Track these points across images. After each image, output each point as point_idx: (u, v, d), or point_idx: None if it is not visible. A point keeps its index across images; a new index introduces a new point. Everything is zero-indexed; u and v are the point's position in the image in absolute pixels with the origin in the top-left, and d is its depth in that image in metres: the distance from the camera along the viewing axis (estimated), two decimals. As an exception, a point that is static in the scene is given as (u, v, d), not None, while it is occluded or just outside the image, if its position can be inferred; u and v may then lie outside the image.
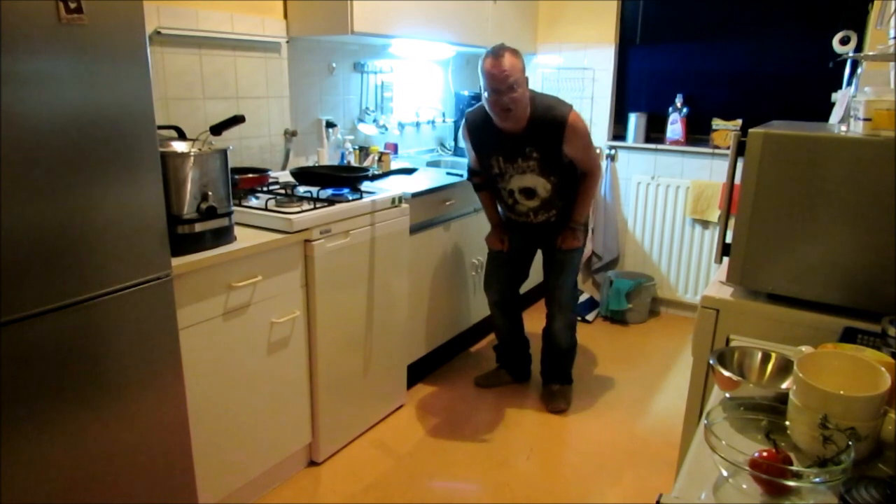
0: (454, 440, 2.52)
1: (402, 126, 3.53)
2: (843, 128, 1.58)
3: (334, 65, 2.99)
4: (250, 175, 2.34)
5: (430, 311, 2.89)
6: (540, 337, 2.89)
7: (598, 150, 2.53)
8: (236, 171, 2.31)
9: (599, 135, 3.92)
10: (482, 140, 2.50)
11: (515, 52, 2.32)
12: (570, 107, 2.37)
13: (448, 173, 3.05)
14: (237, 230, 1.94)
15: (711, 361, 1.13)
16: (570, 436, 2.60)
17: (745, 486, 0.86)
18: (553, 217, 2.59)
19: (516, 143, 2.41)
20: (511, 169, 2.48)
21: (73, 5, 1.29)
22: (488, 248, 2.81)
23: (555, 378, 2.87)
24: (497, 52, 2.29)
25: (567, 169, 2.47)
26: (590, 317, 3.81)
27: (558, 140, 2.35)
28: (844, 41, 2.35)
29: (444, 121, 3.83)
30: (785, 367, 1.13)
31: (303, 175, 2.40)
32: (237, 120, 1.91)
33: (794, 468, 0.84)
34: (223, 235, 1.85)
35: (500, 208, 2.74)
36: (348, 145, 3.03)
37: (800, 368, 0.95)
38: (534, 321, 3.11)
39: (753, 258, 1.60)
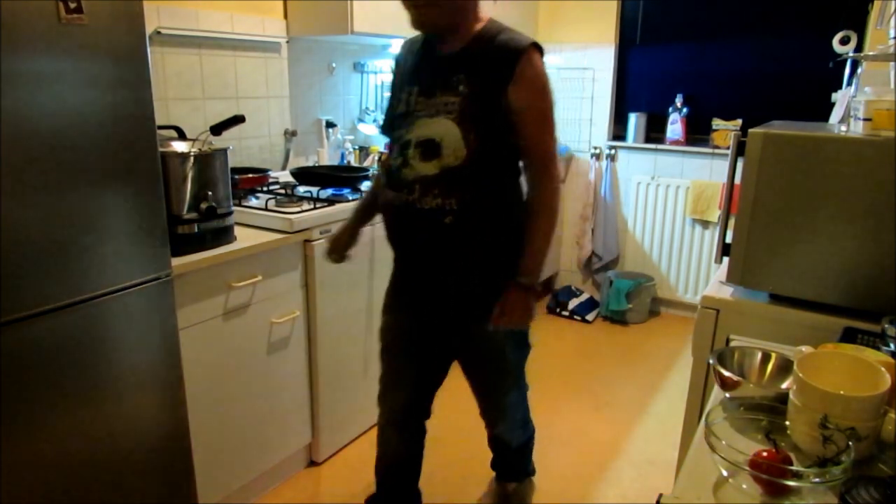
0: (454, 440, 2.52)
1: (402, 126, 3.53)
2: (843, 128, 1.58)
3: (334, 65, 2.99)
4: (250, 175, 2.34)
5: (430, 311, 2.88)
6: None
7: (559, 146, 1.61)
8: (236, 171, 2.31)
9: (599, 135, 3.93)
10: (405, 67, 1.67)
11: None
12: (537, 43, 1.55)
13: (448, 173, 3.04)
14: (237, 230, 1.94)
15: (711, 361, 1.13)
16: (570, 436, 2.60)
17: (745, 486, 0.86)
18: (450, 214, 1.52)
19: (444, 67, 1.55)
20: (423, 106, 1.55)
21: (73, 5, 1.29)
22: (380, 334, 1.83)
23: (509, 475, 2.11)
24: None
25: (500, 138, 1.52)
26: (590, 317, 3.81)
27: (504, 75, 1.49)
28: (844, 41, 2.35)
29: (444, 121, 3.82)
30: (785, 367, 1.13)
31: (303, 175, 2.40)
32: (237, 120, 1.91)
33: (794, 468, 0.84)
34: (223, 235, 1.84)
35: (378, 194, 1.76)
36: (348, 145, 3.03)
37: (800, 368, 0.95)
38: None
39: (753, 258, 1.60)
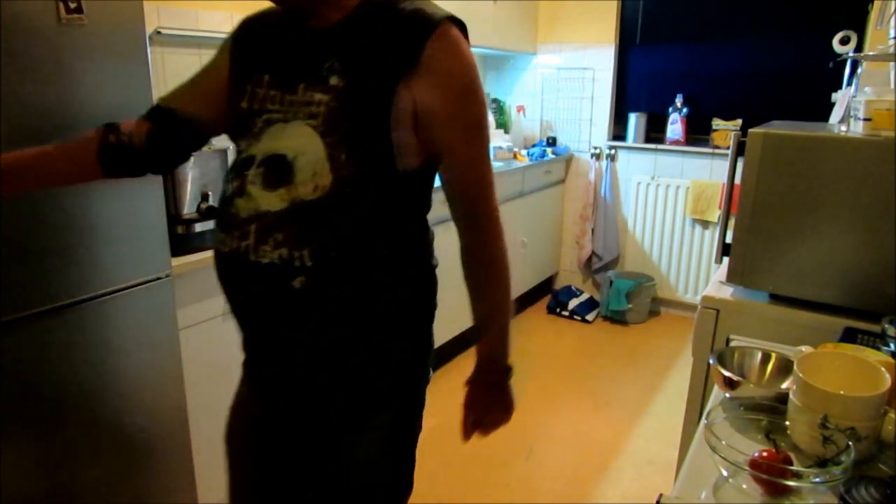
0: (454, 440, 2.52)
1: (402, 126, 3.52)
2: (843, 128, 1.59)
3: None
4: (250, 175, 2.34)
5: (430, 311, 2.88)
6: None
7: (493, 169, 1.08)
8: (236, 171, 2.31)
9: (599, 135, 3.93)
10: (253, 45, 1.08)
11: None
12: (455, 18, 1.03)
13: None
14: (237, 230, 1.94)
15: (711, 361, 1.13)
16: (570, 436, 2.60)
17: (745, 486, 0.86)
18: (301, 273, 0.96)
19: (311, 49, 1.01)
20: (277, 104, 1.01)
21: (73, 5, 1.30)
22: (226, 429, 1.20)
23: None
24: None
25: (388, 160, 0.98)
26: (590, 317, 3.81)
27: (401, 62, 0.96)
28: (844, 41, 2.35)
29: (444, 121, 3.82)
30: (785, 367, 1.13)
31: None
32: (237, 120, 1.90)
33: (794, 468, 0.84)
34: (223, 235, 1.85)
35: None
36: (348, 145, 3.02)
37: (800, 368, 0.95)
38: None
39: (753, 258, 1.60)
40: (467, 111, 1.01)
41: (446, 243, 2.78)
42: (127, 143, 1.09)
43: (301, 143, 0.97)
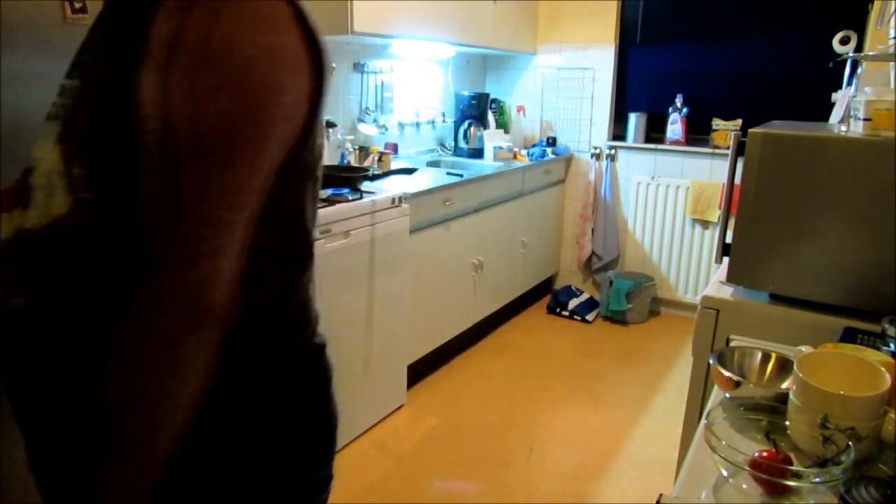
0: (454, 440, 2.52)
1: (402, 126, 3.53)
2: (843, 128, 1.59)
3: (334, 65, 2.98)
4: (251, 175, 2.34)
5: (430, 311, 2.89)
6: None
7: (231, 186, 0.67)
8: (236, 171, 2.31)
9: (599, 135, 3.93)
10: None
11: None
12: None
13: (448, 173, 3.04)
14: (237, 230, 1.94)
15: (711, 361, 1.13)
16: (570, 436, 2.61)
17: (745, 486, 0.87)
18: (17, 323, 0.74)
19: (89, 32, 0.76)
20: (54, 109, 0.76)
21: (78, 5, 1.30)
22: None
23: None
24: None
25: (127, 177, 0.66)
26: (590, 317, 3.81)
27: (132, 43, 0.64)
28: (844, 41, 2.35)
29: (444, 121, 3.82)
30: (785, 367, 1.13)
31: (302, 175, 2.37)
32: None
33: (794, 468, 0.84)
34: (224, 235, 1.84)
35: None
36: (348, 145, 3.03)
37: (800, 368, 0.95)
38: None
39: (753, 258, 1.60)
40: (203, 115, 0.62)
41: (444, 242, 2.78)
42: None
43: (41, 151, 0.73)
